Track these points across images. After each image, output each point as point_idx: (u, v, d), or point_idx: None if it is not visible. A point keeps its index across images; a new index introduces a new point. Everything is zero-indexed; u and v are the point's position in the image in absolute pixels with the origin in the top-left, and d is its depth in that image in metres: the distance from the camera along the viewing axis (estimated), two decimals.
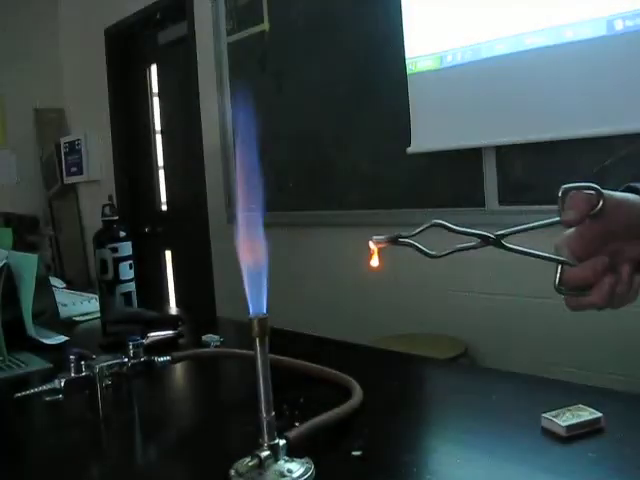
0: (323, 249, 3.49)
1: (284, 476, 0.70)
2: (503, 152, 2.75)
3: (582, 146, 2.51)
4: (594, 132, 2.42)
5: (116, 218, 1.61)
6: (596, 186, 0.69)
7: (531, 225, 0.71)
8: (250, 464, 0.70)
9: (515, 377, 0.96)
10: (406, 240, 0.70)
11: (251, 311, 0.69)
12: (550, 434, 0.81)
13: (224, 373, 1.24)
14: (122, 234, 1.60)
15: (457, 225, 0.70)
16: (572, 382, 0.96)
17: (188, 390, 1.18)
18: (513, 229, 0.70)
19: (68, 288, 2.22)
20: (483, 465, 0.75)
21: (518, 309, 2.68)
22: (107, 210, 1.59)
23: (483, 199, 2.82)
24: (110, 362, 0.97)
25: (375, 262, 0.69)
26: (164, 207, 4.78)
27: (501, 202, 2.77)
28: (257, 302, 0.69)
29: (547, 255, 0.71)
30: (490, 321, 2.81)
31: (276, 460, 0.71)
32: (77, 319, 1.73)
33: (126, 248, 1.59)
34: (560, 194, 0.70)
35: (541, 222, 0.71)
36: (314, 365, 1.05)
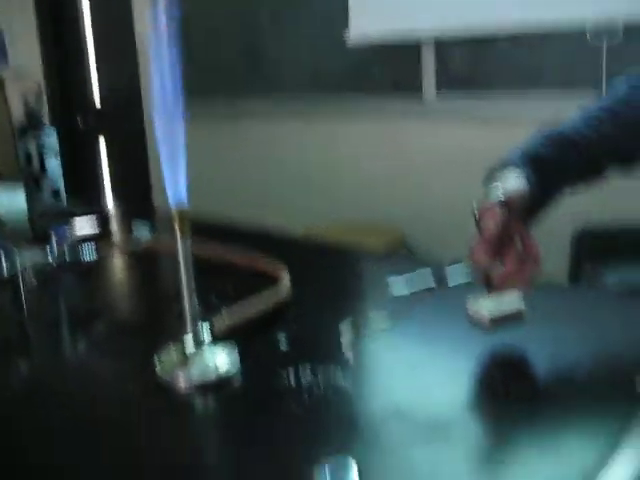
0: (259, 138, 3.44)
1: (209, 366, 0.70)
2: (442, 44, 2.72)
3: (519, 42, 2.50)
4: (531, 29, 2.40)
5: (40, 108, 1.54)
6: (501, 197, 0.79)
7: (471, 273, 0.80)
8: (174, 354, 0.69)
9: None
10: None
11: (171, 201, 0.67)
12: (475, 321, 0.81)
13: (153, 266, 1.22)
14: (47, 125, 1.53)
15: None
16: None
17: (116, 284, 1.16)
18: (457, 281, 0.79)
19: None
20: (408, 350, 0.76)
21: (455, 199, 2.71)
22: (30, 98, 1.52)
23: (421, 88, 2.80)
24: (34, 255, 0.94)
25: None
26: (97, 99, 4.62)
27: (438, 92, 2.77)
28: (177, 192, 0.67)
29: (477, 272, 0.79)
30: (427, 211, 2.84)
31: (200, 349, 0.71)
32: (3, 213, 1.67)
33: (52, 139, 1.52)
34: (476, 214, 0.79)
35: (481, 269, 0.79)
36: (243, 254, 1.04)
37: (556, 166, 0.87)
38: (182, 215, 0.67)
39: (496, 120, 2.47)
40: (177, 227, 0.68)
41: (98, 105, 4.60)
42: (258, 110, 3.40)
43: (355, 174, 3.10)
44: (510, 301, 0.83)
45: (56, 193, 1.51)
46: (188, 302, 0.70)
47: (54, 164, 1.52)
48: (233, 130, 3.53)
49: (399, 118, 2.90)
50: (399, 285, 0.69)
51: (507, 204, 0.79)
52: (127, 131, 4.24)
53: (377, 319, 0.68)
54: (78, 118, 4.60)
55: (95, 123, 4.58)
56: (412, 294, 0.70)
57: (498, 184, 0.82)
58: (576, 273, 2.00)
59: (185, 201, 0.68)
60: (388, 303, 0.69)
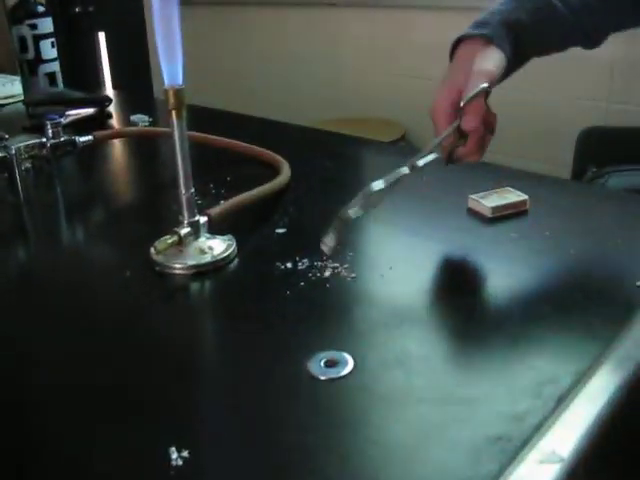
0: (260, 29, 3.35)
1: (205, 253, 0.69)
2: None
3: None
4: None
5: None
6: (485, 87, 0.75)
7: (437, 140, 0.75)
8: (170, 241, 0.68)
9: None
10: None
11: (166, 82, 0.65)
12: (476, 215, 0.81)
13: (151, 153, 1.20)
14: (41, 9, 1.48)
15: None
16: (502, 165, 0.95)
17: (113, 171, 1.15)
18: (426, 160, 0.73)
19: None
20: (406, 243, 0.75)
21: None
22: None
23: None
24: (27, 142, 0.92)
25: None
26: None
27: None
28: (172, 71, 0.64)
29: (439, 139, 0.75)
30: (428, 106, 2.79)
31: (197, 237, 0.70)
32: (0, 102, 1.64)
33: (47, 24, 1.48)
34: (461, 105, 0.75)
35: (441, 137, 0.76)
36: (242, 143, 1.02)
37: (535, 34, 0.84)
38: (178, 94, 0.65)
39: None
40: (172, 108, 0.65)
41: None
42: (262, 0, 3.30)
43: (358, 67, 3.03)
44: (512, 195, 0.82)
45: (52, 78, 1.47)
46: (184, 187, 0.68)
47: (49, 48, 1.48)
48: (235, 22, 3.43)
49: (407, 9, 2.82)
50: (377, 182, 0.67)
51: (489, 90, 0.76)
52: (125, 17, 4.13)
53: (351, 210, 0.66)
54: (76, 6, 4.47)
55: (94, 10, 4.45)
56: (387, 186, 0.68)
57: (480, 64, 0.77)
58: (580, 174, 1.97)
59: (181, 81, 0.65)
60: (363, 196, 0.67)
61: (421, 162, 0.72)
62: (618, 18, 0.90)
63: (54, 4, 1.64)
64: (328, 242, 0.67)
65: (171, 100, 0.65)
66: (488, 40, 0.79)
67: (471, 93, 0.75)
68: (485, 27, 0.81)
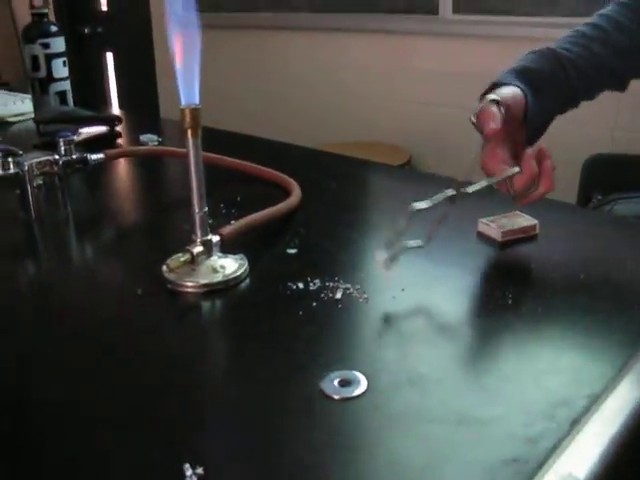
0: (269, 53, 3.38)
1: (217, 272, 0.70)
2: None
3: None
4: None
5: (46, 11, 1.50)
6: (493, 97, 0.79)
7: (493, 179, 0.77)
8: (182, 260, 0.68)
9: (455, 183, 0.96)
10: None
11: (183, 102, 0.65)
12: (486, 239, 0.81)
13: (161, 172, 1.21)
14: (54, 29, 1.49)
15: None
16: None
17: (124, 189, 1.16)
18: (476, 187, 0.75)
19: (2, 88, 2.11)
20: (417, 265, 0.75)
21: (460, 119, 2.68)
22: (36, 2, 1.48)
23: (437, 6, 2.73)
24: (39, 159, 0.93)
25: None
26: (104, 6, 4.52)
27: (455, 11, 2.69)
28: (189, 92, 0.65)
29: (499, 178, 0.77)
30: (433, 131, 2.80)
31: (209, 256, 0.70)
32: (10, 120, 1.65)
33: (59, 44, 1.49)
34: (474, 119, 0.79)
35: (501, 176, 0.77)
36: (253, 164, 1.03)
37: (547, 79, 0.87)
38: (194, 114, 0.66)
39: (512, 40, 2.42)
40: (188, 127, 0.66)
41: (105, 10, 4.50)
42: (270, 25, 3.33)
43: (366, 93, 3.05)
44: (522, 219, 0.82)
45: (62, 96, 1.49)
46: (197, 206, 0.69)
47: (60, 67, 1.49)
48: (244, 46, 3.46)
49: (413, 36, 2.84)
50: (420, 202, 0.69)
51: (502, 104, 0.79)
52: (134, 38, 4.17)
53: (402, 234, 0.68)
54: (85, 26, 4.51)
55: (102, 31, 4.49)
56: (432, 206, 0.70)
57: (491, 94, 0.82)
58: (586, 201, 1.98)
59: (197, 102, 0.66)
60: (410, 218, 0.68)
61: (471, 189, 0.73)
62: None
63: (64, 24, 1.65)
64: (381, 257, 0.68)
65: (187, 119, 0.66)
66: (498, 85, 0.84)
67: (478, 107, 0.78)
68: (494, 80, 0.86)
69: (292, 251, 0.78)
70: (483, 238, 0.81)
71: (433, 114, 2.80)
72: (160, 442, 0.48)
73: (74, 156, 0.95)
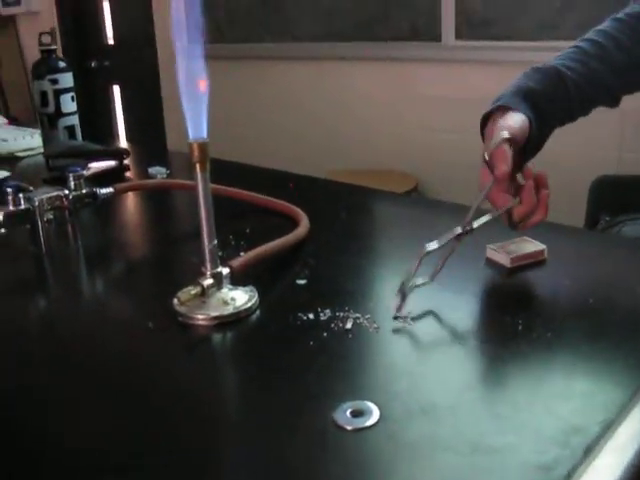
0: (275, 83, 3.41)
1: (227, 304, 0.70)
2: None
3: None
4: None
5: (55, 47, 1.52)
6: (506, 135, 0.80)
7: (496, 213, 0.79)
8: (193, 292, 0.69)
9: (462, 209, 0.96)
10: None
11: (191, 136, 0.66)
12: (494, 265, 0.81)
13: (170, 205, 1.22)
14: (62, 64, 1.51)
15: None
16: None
17: (133, 222, 1.17)
18: (480, 222, 0.76)
19: (11, 123, 2.13)
20: (426, 292, 0.75)
21: (466, 145, 2.69)
22: (45, 38, 1.50)
23: (439, 33, 2.75)
24: (50, 194, 0.94)
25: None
26: (110, 40, 4.57)
27: (458, 37, 2.71)
28: (197, 126, 0.66)
29: (499, 211, 0.79)
30: (439, 156, 2.81)
31: (219, 288, 0.71)
32: (19, 155, 1.67)
33: (67, 79, 1.51)
34: (486, 159, 0.80)
35: (503, 209, 0.80)
36: (261, 196, 1.03)
37: (549, 99, 0.89)
38: (202, 148, 0.66)
39: (515, 64, 2.43)
40: (197, 161, 0.67)
41: (111, 44, 4.55)
42: (274, 55, 3.36)
43: (371, 120, 3.07)
44: (530, 245, 0.83)
45: (71, 131, 1.50)
46: (207, 238, 0.69)
47: (69, 102, 1.51)
48: (249, 76, 3.49)
49: (417, 63, 2.86)
50: (430, 243, 0.71)
51: (512, 140, 0.80)
52: (140, 72, 4.21)
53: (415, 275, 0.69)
54: (92, 60, 4.56)
55: (109, 65, 4.54)
56: (441, 246, 0.71)
57: (501, 123, 0.83)
58: (593, 223, 1.98)
59: (205, 136, 0.67)
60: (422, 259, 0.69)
61: (475, 224, 0.74)
62: None
63: (71, 58, 1.68)
64: (396, 304, 0.69)
65: (195, 153, 0.66)
66: (505, 109, 0.85)
67: (492, 145, 0.78)
68: (500, 100, 0.87)
69: (302, 282, 0.78)
70: (492, 264, 0.82)
71: (438, 140, 2.81)
72: (174, 476, 0.48)
73: (84, 191, 0.96)
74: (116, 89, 4.63)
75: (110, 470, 0.49)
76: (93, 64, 4.57)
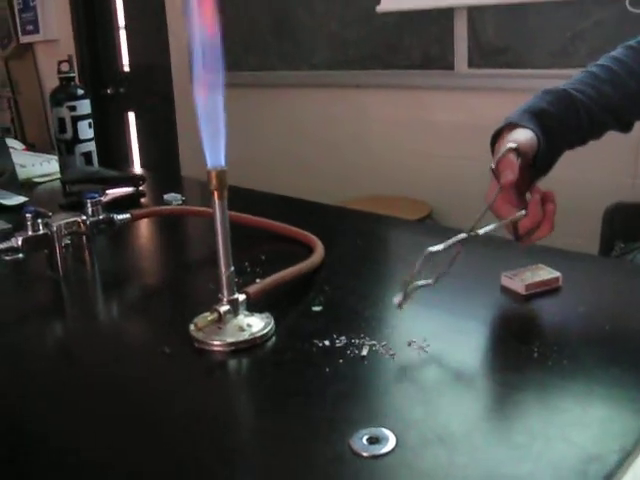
0: (289, 110, 3.43)
1: (244, 330, 0.71)
2: (475, 13, 2.67)
3: (555, 9, 2.45)
4: None
5: (73, 75, 1.55)
6: (513, 145, 0.80)
7: (500, 222, 0.81)
8: (209, 318, 0.69)
9: (477, 237, 0.96)
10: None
11: (209, 164, 0.67)
12: (509, 292, 0.81)
13: (186, 231, 1.23)
14: (80, 92, 1.54)
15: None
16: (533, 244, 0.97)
17: (149, 248, 1.18)
18: (487, 228, 0.77)
19: (28, 150, 2.16)
20: (442, 320, 0.76)
21: (479, 172, 2.69)
22: (64, 67, 1.53)
23: (452, 61, 2.77)
24: (68, 220, 0.95)
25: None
26: (126, 67, 4.62)
27: (470, 65, 2.73)
28: (215, 154, 0.67)
29: (506, 221, 0.81)
30: (453, 184, 2.82)
31: (236, 315, 0.71)
32: (37, 180, 1.69)
33: (85, 106, 1.53)
34: (492, 167, 0.80)
35: (508, 219, 0.81)
36: (276, 222, 1.04)
37: (558, 120, 0.90)
38: (220, 176, 0.67)
39: (528, 92, 2.44)
40: (215, 189, 0.67)
41: (127, 71, 4.60)
42: (288, 82, 3.39)
43: (384, 147, 3.08)
44: (545, 272, 0.83)
45: (88, 157, 1.52)
46: (224, 265, 0.70)
47: (86, 129, 1.53)
48: (263, 104, 3.52)
49: (430, 91, 2.88)
50: (434, 245, 0.71)
51: (519, 151, 0.81)
52: (155, 100, 4.26)
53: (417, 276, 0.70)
54: (108, 87, 4.61)
55: (124, 92, 4.59)
56: (446, 249, 0.72)
57: (509, 136, 0.84)
58: (608, 250, 1.97)
59: (223, 163, 0.68)
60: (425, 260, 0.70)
61: (481, 230, 0.75)
62: None
63: (87, 85, 1.70)
64: (398, 299, 0.71)
65: (213, 181, 0.67)
66: (514, 125, 0.86)
67: (499, 154, 0.80)
68: (510, 118, 0.88)
69: (317, 308, 0.79)
70: (507, 291, 0.82)
71: (451, 167, 2.81)
72: None
73: (101, 216, 0.97)
74: (131, 116, 4.67)
75: None
76: (109, 91, 4.62)
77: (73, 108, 1.51)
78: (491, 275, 0.84)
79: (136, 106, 4.61)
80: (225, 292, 0.71)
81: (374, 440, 0.53)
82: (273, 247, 1.02)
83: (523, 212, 0.80)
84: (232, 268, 0.70)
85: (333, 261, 0.93)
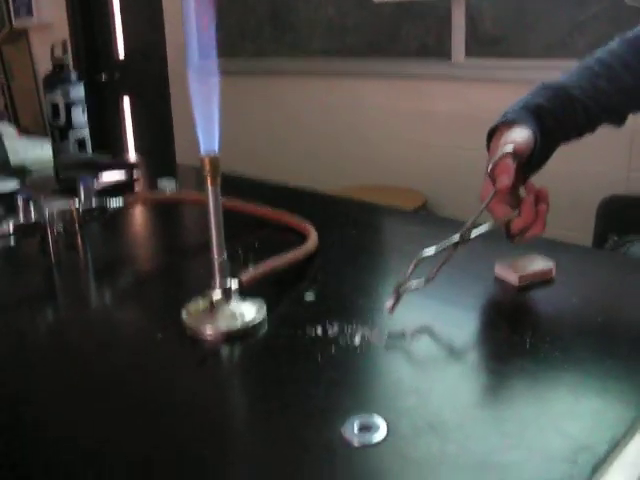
0: (284, 98, 3.42)
1: (236, 318, 0.70)
2: (473, 2, 2.67)
3: (554, 0, 2.45)
4: None
5: (67, 60, 1.53)
6: (509, 150, 0.80)
7: (493, 223, 0.81)
8: (202, 305, 0.69)
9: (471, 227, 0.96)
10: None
11: (202, 149, 0.67)
12: (503, 282, 0.81)
13: (179, 218, 1.22)
14: (74, 77, 1.52)
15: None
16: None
17: (142, 235, 1.17)
18: (478, 231, 0.77)
19: (21, 135, 2.14)
20: (436, 310, 0.76)
21: (474, 162, 2.69)
22: (57, 51, 1.51)
23: (449, 51, 2.76)
24: (60, 206, 0.94)
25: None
26: (121, 54, 4.60)
27: (467, 54, 2.72)
28: (209, 140, 0.66)
29: (499, 222, 0.81)
30: (448, 173, 2.82)
31: (228, 302, 0.71)
32: (30, 166, 1.68)
33: (78, 92, 1.52)
34: (489, 171, 0.80)
35: (501, 220, 0.81)
36: (270, 209, 1.04)
37: (555, 117, 0.90)
38: (213, 162, 0.67)
39: (525, 83, 2.43)
40: (208, 175, 0.67)
41: (122, 58, 4.58)
42: (285, 71, 3.38)
43: (379, 135, 3.08)
44: (539, 262, 0.83)
45: (81, 143, 1.51)
46: (217, 252, 0.69)
47: (80, 115, 1.51)
48: (260, 91, 3.51)
49: (426, 80, 2.87)
50: (428, 248, 0.71)
51: (515, 154, 0.81)
52: (150, 86, 4.24)
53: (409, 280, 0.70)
54: (102, 73, 4.59)
55: (119, 78, 4.57)
56: (438, 253, 0.72)
57: (507, 136, 0.83)
58: (601, 242, 1.98)
59: (217, 149, 0.67)
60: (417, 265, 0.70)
61: (473, 234, 0.75)
62: None
63: (82, 71, 1.70)
64: (389, 304, 0.71)
65: (207, 168, 0.67)
66: (511, 123, 0.86)
67: (496, 157, 0.79)
68: (507, 114, 0.88)
69: (310, 296, 0.79)
70: (500, 282, 0.82)
71: (447, 157, 2.81)
72: None
73: (94, 203, 0.97)
74: (126, 102, 4.66)
75: None
76: (104, 77, 4.60)
77: (67, 94, 1.49)
78: (485, 265, 0.84)
79: (131, 92, 4.59)
80: (217, 279, 0.70)
81: (365, 428, 0.52)
82: (266, 234, 1.01)
83: (516, 212, 0.80)
84: (225, 255, 0.70)
85: (327, 249, 0.92)
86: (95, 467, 0.51)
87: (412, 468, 0.49)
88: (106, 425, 0.56)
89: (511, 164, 0.79)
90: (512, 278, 0.81)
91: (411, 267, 0.71)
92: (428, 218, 1.85)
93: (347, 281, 0.84)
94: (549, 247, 0.88)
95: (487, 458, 0.49)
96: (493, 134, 0.88)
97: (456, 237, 0.75)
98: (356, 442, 0.51)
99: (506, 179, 0.78)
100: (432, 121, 2.86)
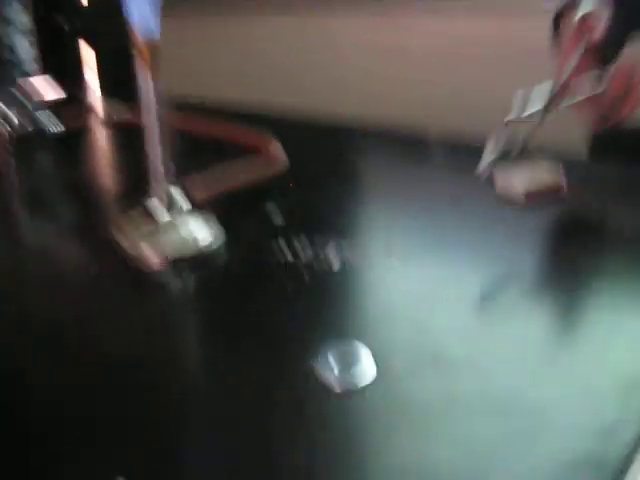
0: (251, 36, 3.27)
1: (188, 242, 0.58)
2: None
3: None
4: None
5: None
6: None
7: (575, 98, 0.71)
8: (139, 220, 0.56)
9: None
10: None
11: (138, 33, 0.53)
12: (506, 199, 0.69)
13: (126, 139, 1.06)
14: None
15: None
16: None
17: (83, 157, 1.00)
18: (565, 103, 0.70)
19: None
20: (427, 232, 0.64)
21: (462, 93, 2.59)
22: None
23: None
24: None
25: None
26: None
27: None
28: (146, 23, 0.53)
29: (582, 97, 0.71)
30: (433, 116, 2.70)
31: (173, 215, 0.58)
32: None
33: (21, 17, 1.37)
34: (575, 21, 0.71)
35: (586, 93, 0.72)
36: (226, 124, 0.89)
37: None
38: (152, 49, 0.54)
39: (507, 12, 2.32)
40: (145, 63, 0.54)
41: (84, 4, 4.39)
42: (249, 5, 3.23)
43: (354, 73, 2.95)
44: (546, 171, 0.70)
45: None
46: (153, 153, 0.56)
47: (24, 45, 1.37)
48: (225, 28, 3.35)
49: (402, 10, 2.74)
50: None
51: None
52: (113, 34, 4.07)
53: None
54: (63, 19, 4.40)
55: (80, 25, 4.38)
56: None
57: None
58: None
59: (155, 34, 0.54)
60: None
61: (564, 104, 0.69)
62: None
63: (40, 18, 1.55)
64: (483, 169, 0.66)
65: (144, 54, 0.54)
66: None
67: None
68: None
69: (274, 212, 0.65)
70: (501, 196, 0.69)
71: (433, 94, 2.70)
72: (133, 445, 0.36)
73: (27, 123, 0.83)
74: (86, 49, 4.47)
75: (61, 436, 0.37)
76: (64, 24, 4.40)
77: (8, 19, 1.35)
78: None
79: (92, 40, 4.40)
80: (157, 186, 0.56)
81: (346, 364, 0.40)
82: (226, 153, 0.86)
83: (601, 88, 0.71)
84: (168, 160, 0.56)
85: (297, 170, 0.79)
86: (26, 420, 0.39)
87: (410, 417, 0.37)
88: (38, 377, 0.44)
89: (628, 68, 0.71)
90: (516, 195, 0.68)
91: (500, 135, 0.66)
92: (407, 138, 1.72)
93: (318, 201, 0.71)
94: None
95: (512, 398, 0.37)
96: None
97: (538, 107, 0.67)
98: (334, 382, 0.39)
99: (599, 32, 0.69)
100: (409, 54, 2.73)
